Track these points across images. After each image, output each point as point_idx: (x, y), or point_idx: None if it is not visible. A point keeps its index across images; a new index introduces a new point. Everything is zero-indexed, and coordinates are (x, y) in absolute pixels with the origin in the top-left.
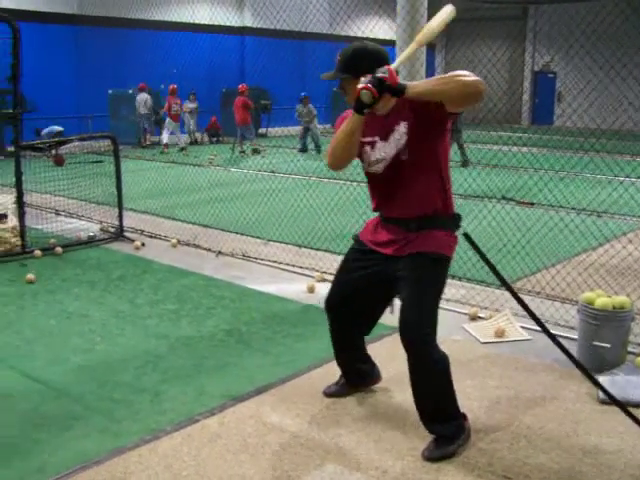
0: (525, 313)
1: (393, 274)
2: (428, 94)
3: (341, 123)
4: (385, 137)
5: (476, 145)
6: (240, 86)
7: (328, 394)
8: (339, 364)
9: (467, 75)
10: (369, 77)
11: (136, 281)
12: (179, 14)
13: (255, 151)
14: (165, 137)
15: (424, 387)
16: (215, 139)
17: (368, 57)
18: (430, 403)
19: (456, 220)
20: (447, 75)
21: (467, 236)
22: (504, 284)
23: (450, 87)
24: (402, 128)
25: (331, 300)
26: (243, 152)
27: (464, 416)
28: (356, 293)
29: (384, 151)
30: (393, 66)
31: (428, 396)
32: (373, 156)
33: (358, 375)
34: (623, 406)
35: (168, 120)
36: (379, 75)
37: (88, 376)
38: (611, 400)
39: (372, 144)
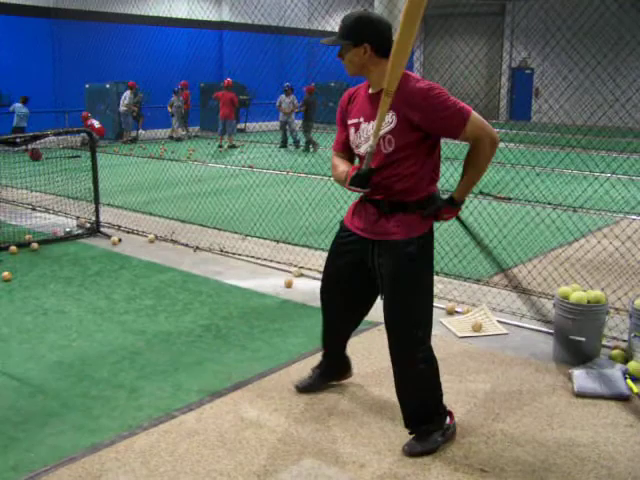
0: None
1: (372, 260)
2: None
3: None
4: (368, 120)
5: (454, 140)
6: (226, 81)
7: (301, 388)
8: (325, 354)
9: (486, 145)
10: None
11: (113, 277)
12: (157, 8)
13: (232, 146)
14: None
15: (409, 389)
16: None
17: (370, 25)
18: (417, 405)
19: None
20: (479, 161)
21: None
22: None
23: (484, 169)
24: (388, 117)
25: (323, 284)
26: (221, 147)
27: (450, 414)
28: (344, 277)
29: (367, 133)
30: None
31: (414, 398)
32: (357, 139)
33: (338, 365)
34: None
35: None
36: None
37: (64, 372)
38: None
39: (357, 126)
